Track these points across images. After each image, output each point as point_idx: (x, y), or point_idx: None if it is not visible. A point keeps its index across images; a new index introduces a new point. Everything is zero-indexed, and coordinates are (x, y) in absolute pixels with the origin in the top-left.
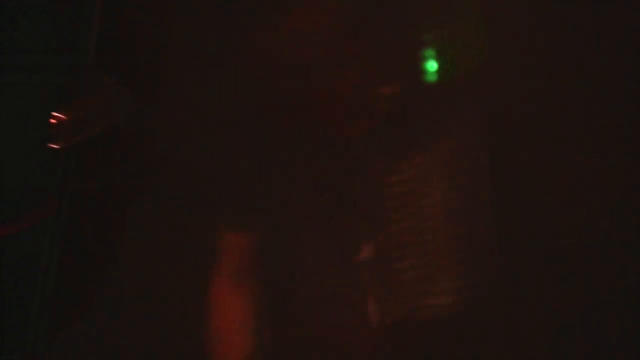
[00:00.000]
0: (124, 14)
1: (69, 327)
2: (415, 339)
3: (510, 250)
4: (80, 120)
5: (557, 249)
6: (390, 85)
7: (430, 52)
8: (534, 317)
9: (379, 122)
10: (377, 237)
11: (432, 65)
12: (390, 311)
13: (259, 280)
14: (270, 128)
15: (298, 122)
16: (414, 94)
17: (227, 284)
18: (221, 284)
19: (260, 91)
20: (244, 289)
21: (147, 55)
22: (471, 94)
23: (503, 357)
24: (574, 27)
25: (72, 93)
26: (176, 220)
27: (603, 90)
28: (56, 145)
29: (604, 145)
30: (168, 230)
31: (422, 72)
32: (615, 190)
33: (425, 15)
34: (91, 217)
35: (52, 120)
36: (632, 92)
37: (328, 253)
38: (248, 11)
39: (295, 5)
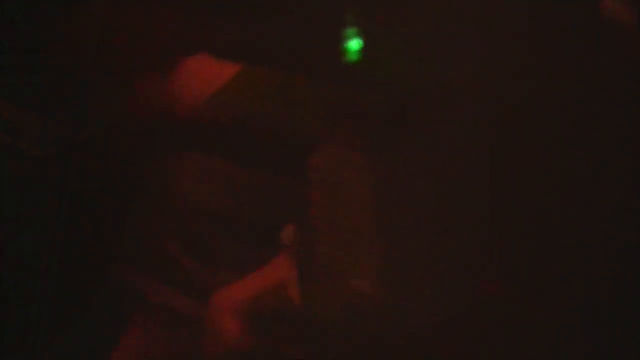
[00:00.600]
0: (123, 15)
1: (69, 327)
2: (415, 340)
3: (509, 251)
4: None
5: (557, 249)
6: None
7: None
8: (534, 317)
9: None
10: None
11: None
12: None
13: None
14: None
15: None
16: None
17: (226, 284)
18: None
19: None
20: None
21: (148, 55)
22: (470, 94)
23: (503, 357)
24: (574, 27)
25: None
26: (176, 221)
27: (603, 90)
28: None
29: (604, 145)
30: (168, 230)
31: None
32: (615, 190)
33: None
34: (91, 217)
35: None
36: (632, 92)
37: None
38: (248, 9)
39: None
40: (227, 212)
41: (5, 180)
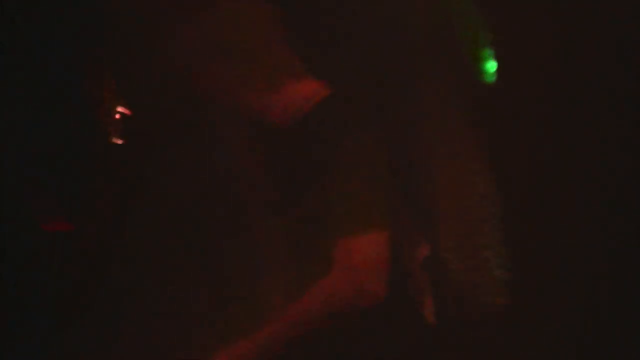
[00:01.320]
0: (125, 16)
1: (69, 327)
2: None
3: (510, 252)
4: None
5: (558, 250)
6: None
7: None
8: (535, 317)
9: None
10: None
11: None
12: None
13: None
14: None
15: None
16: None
17: (226, 285)
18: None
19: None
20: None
21: (154, 57)
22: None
23: (503, 357)
24: (574, 27)
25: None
26: (176, 221)
27: (603, 91)
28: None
29: (604, 145)
30: (168, 230)
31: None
32: (614, 190)
33: None
34: (91, 217)
35: (117, 116)
36: (632, 92)
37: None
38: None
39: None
40: (228, 212)
41: (5, 180)
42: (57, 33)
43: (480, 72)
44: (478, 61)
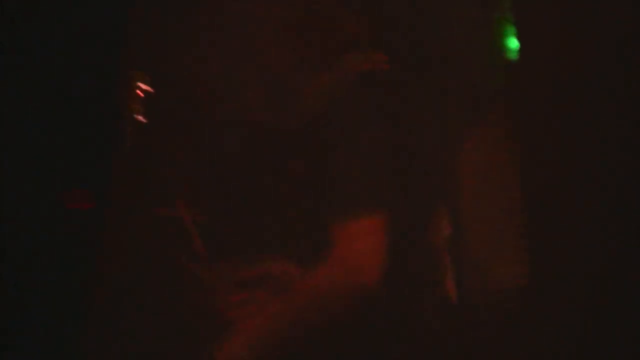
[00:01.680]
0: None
1: (69, 327)
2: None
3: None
4: None
5: (557, 250)
6: None
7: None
8: (534, 317)
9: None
10: None
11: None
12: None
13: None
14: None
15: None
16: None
17: (227, 285)
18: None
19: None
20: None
21: (156, 56)
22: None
23: (503, 357)
24: (574, 27)
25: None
26: (176, 221)
27: (603, 91)
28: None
29: (604, 145)
30: (168, 230)
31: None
32: (615, 191)
33: None
34: (91, 216)
35: (139, 92)
36: (632, 92)
37: None
38: None
39: None
40: (228, 212)
41: (5, 180)
42: (58, 33)
43: (501, 49)
44: (499, 38)
